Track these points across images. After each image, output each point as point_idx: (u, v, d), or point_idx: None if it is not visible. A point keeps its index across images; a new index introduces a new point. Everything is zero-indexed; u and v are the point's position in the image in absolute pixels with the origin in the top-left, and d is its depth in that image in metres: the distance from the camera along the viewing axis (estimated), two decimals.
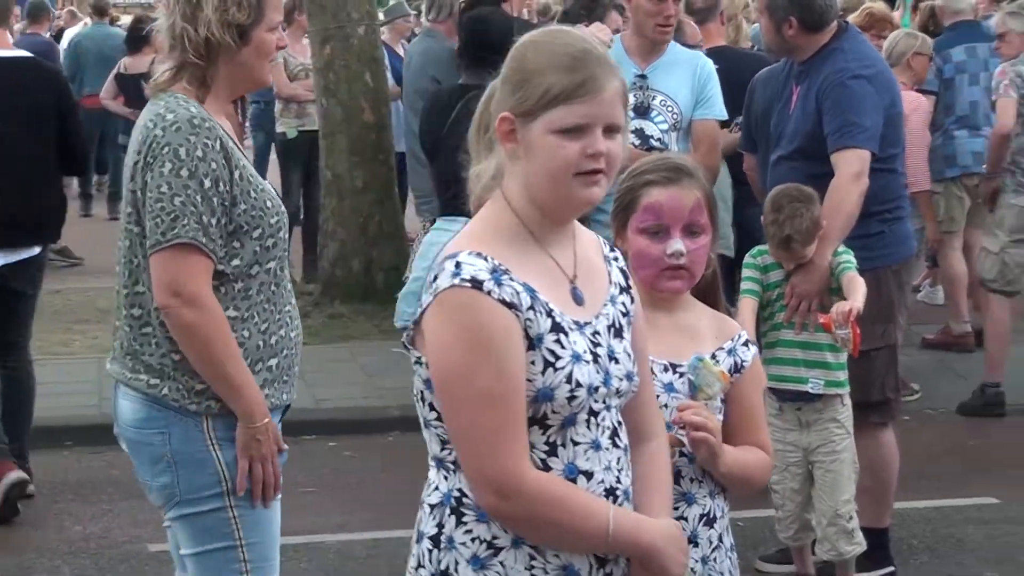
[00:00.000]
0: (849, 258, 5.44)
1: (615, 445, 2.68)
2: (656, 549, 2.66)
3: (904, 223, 6.05)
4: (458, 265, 2.55)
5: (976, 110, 9.19)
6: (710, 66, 6.36)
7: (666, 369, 3.19)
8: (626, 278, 2.83)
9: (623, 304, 2.77)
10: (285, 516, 3.89)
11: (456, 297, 2.54)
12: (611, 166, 2.60)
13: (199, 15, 3.64)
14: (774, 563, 6.07)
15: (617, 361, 2.68)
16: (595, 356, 2.62)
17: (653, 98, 6.13)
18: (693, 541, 3.15)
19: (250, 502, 3.68)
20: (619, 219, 3.31)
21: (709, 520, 3.22)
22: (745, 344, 3.34)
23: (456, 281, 2.53)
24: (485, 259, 2.56)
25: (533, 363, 2.55)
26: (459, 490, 2.62)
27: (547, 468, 2.59)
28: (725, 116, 6.39)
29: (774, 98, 6.01)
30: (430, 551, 2.66)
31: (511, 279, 2.56)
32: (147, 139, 3.62)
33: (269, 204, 3.77)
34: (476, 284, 2.53)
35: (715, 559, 3.22)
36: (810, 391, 5.48)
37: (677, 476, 3.12)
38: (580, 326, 2.63)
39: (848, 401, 5.54)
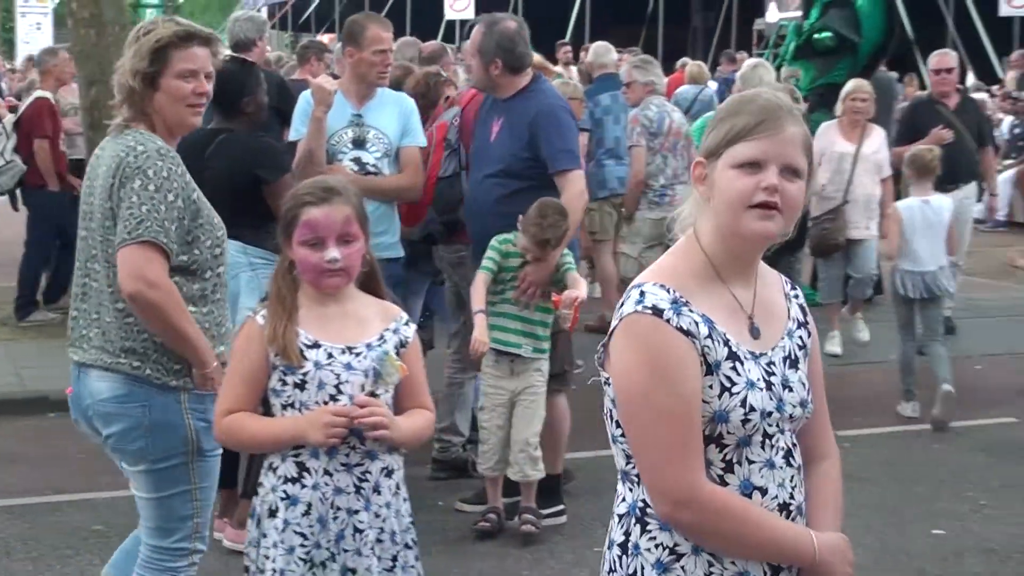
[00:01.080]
0: (571, 260, 5.80)
1: (789, 464, 2.53)
2: (825, 562, 2.48)
3: None
4: (642, 294, 2.43)
5: (619, 144, 9.44)
6: (411, 103, 6.45)
7: (344, 352, 3.33)
8: (804, 313, 2.65)
9: (800, 338, 2.60)
10: None
11: (638, 323, 2.42)
12: (788, 205, 2.42)
13: (124, 65, 3.84)
14: (471, 503, 6.17)
15: (791, 390, 2.52)
16: (769, 384, 2.48)
17: (368, 132, 6.19)
18: (376, 490, 3.36)
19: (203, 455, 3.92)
20: (284, 234, 3.40)
21: (388, 472, 3.40)
22: (407, 324, 3.51)
23: (639, 308, 2.42)
24: (667, 290, 2.43)
25: (711, 387, 2.42)
26: (643, 501, 2.50)
27: (724, 483, 2.45)
28: (424, 143, 6.46)
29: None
30: (619, 557, 2.53)
31: (690, 310, 2.42)
32: (120, 164, 3.80)
33: (216, 221, 4.00)
34: (657, 312, 2.40)
35: (394, 502, 3.41)
36: (522, 354, 5.74)
37: (361, 437, 3.31)
38: (756, 356, 2.49)
39: (547, 363, 5.84)
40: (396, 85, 6.74)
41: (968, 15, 20.85)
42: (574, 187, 5.82)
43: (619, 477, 2.59)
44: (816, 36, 9.08)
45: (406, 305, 5.88)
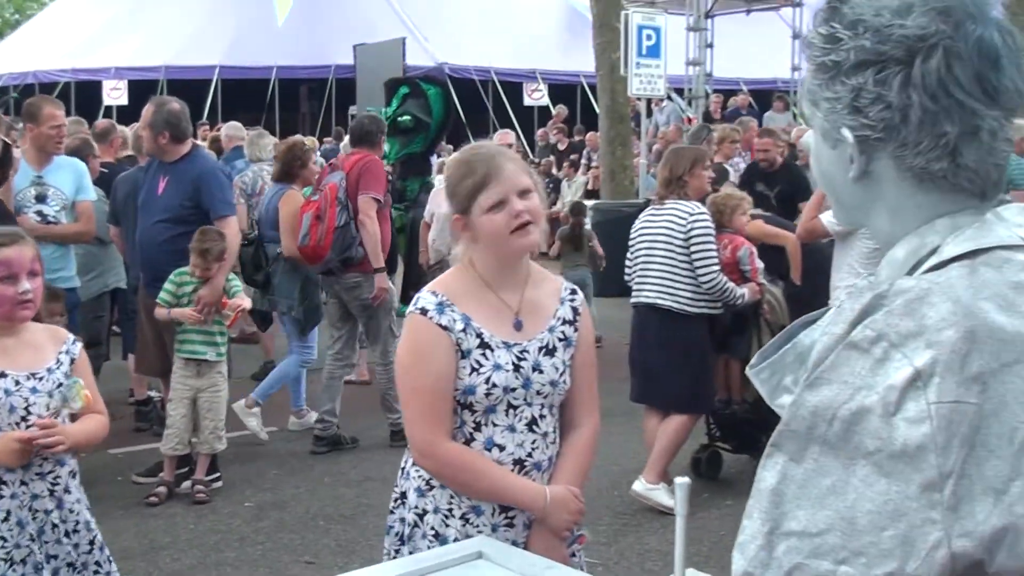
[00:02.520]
0: (238, 284, 5.98)
1: (531, 430, 2.53)
2: (551, 511, 2.50)
3: None
4: (418, 299, 2.54)
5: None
6: (83, 166, 6.54)
7: (28, 378, 3.09)
8: (575, 314, 2.62)
9: (562, 332, 2.58)
10: None
11: (411, 319, 2.53)
12: (535, 216, 2.50)
13: None
14: (145, 476, 6.11)
15: (542, 372, 2.53)
16: (517, 367, 2.50)
17: (48, 190, 6.18)
18: (67, 489, 3.15)
19: None
20: None
21: (73, 473, 3.22)
22: (74, 343, 3.27)
23: (412, 308, 2.53)
24: (436, 295, 2.52)
25: (464, 368, 2.47)
26: None
27: (473, 439, 2.50)
28: (94, 198, 6.54)
29: (138, 188, 6.30)
30: (399, 477, 2.66)
31: (452, 310, 2.50)
32: None
33: None
34: (423, 312, 2.50)
35: (82, 497, 3.25)
36: (207, 359, 5.83)
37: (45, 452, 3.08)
38: (509, 346, 2.51)
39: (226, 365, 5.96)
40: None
41: (503, 103, 22.36)
42: (231, 228, 6.03)
43: None
44: (399, 119, 9.51)
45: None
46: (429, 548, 2.48)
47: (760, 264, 5.74)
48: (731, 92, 20.40)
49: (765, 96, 20.54)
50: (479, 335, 2.50)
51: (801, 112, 1.32)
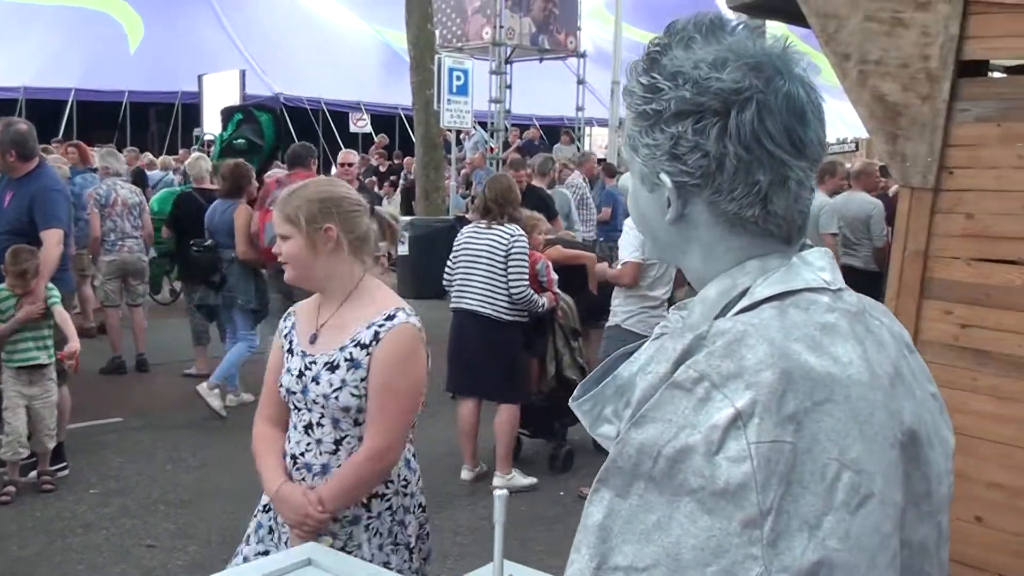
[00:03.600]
0: (56, 292, 5.38)
1: (306, 434, 2.39)
2: (277, 503, 2.39)
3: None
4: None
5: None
6: None
7: None
8: (376, 340, 2.34)
9: (350, 353, 2.35)
10: None
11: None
12: (287, 257, 2.40)
13: None
14: None
15: (319, 383, 2.36)
16: (301, 374, 2.39)
17: None
18: None
19: None
20: None
21: None
22: None
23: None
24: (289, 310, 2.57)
25: (284, 368, 2.46)
26: None
27: (289, 427, 2.46)
28: None
29: None
30: None
31: (291, 320, 2.52)
32: None
33: None
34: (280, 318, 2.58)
35: None
36: (40, 363, 5.31)
37: None
38: (304, 355, 2.41)
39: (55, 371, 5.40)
40: None
41: (332, 130, 21.87)
42: (51, 239, 5.53)
43: None
44: (235, 141, 9.09)
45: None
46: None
47: (555, 276, 5.72)
48: (525, 126, 20.65)
49: (554, 130, 20.95)
50: (291, 341, 2.49)
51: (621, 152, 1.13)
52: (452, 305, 5.60)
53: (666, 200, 1.09)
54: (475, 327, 5.42)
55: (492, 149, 16.68)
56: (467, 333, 5.48)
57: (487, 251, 5.40)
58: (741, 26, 1.08)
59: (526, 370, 5.72)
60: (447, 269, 5.62)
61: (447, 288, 5.70)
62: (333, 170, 13.56)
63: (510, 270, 5.35)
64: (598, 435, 1.18)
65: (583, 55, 19.21)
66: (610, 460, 0.98)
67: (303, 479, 2.38)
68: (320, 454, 2.37)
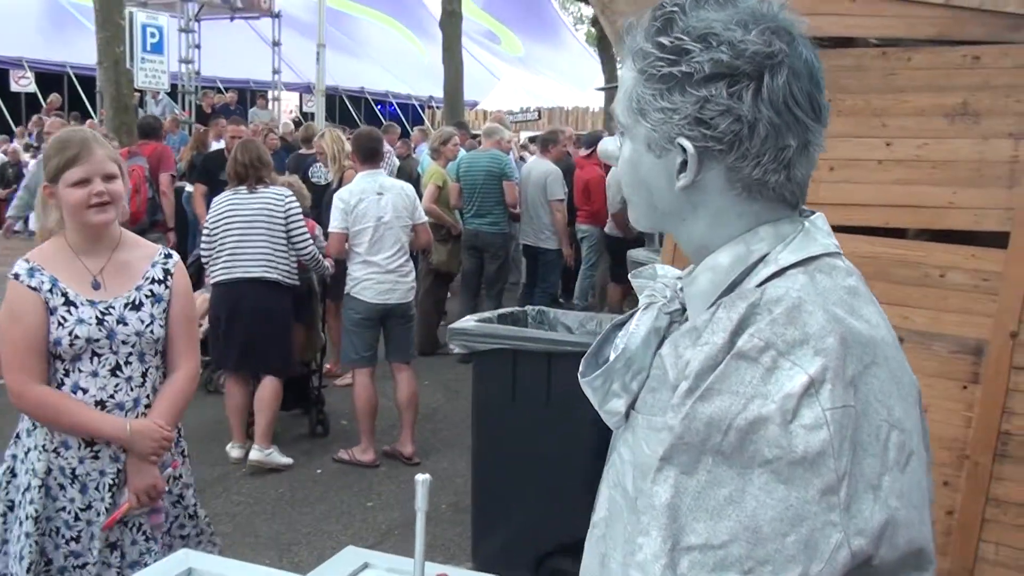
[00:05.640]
0: None
1: (114, 375, 2.47)
2: (133, 440, 2.46)
3: None
4: (13, 266, 2.47)
5: None
6: None
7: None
8: (167, 275, 2.57)
9: (151, 290, 2.53)
10: None
11: (7, 284, 2.45)
12: (116, 197, 2.47)
13: None
14: None
15: (127, 324, 2.47)
16: (101, 321, 2.44)
17: None
18: None
19: None
20: None
21: None
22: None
23: (9, 275, 2.45)
24: (28, 262, 2.48)
25: (53, 323, 2.42)
26: None
27: (63, 383, 2.44)
28: None
29: None
30: (19, 424, 2.57)
31: (41, 273, 2.45)
32: None
33: None
34: (16, 277, 2.46)
35: None
36: None
37: None
38: (94, 303, 2.46)
39: None
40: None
41: None
42: None
43: None
44: None
45: None
46: (27, 478, 2.45)
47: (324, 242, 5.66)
48: (215, 90, 19.64)
49: (244, 94, 20.08)
50: (64, 294, 2.46)
51: (616, 119, 1.18)
52: (220, 278, 5.22)
53: (678, 166, 1.05)
54: (252, 297, 5.16)
55: (186, 113, 15.71)
56: (244, 305, 5.18)
57: (264, 216, 5.17)
58: None
59: (292, 339, 5.59)
60: (204, 241, 5.29)
61: (204, 263, 5.36)
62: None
63: (293, 231, 5.21)
64: (606, 411, 1.15)
65: (278, 15, 18.54)
66: (676, 437, 0.96)
67: (117, 419, 2.50)
68: (132, 390, 2.50)
